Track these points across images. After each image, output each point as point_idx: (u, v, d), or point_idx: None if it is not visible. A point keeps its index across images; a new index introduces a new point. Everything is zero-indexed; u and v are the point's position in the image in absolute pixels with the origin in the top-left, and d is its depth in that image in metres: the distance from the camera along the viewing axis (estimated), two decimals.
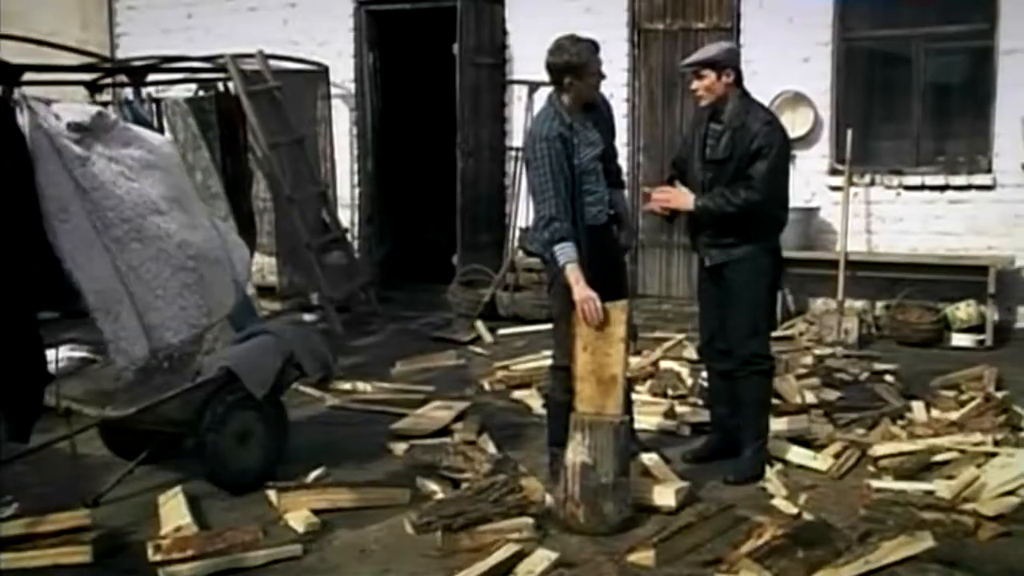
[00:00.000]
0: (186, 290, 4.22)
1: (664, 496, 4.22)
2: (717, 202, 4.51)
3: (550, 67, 4.45)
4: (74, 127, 3.76)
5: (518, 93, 9.04)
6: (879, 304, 7.85)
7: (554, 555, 3.69)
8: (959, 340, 7.32)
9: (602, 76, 4.55)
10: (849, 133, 7.71)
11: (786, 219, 4.74)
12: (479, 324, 8.01)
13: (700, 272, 4.92)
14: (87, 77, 7.18)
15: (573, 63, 4.40)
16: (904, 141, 8.06)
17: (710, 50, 4.63)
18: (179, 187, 4.14)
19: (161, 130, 6.47)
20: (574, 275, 4.32)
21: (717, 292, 4.73)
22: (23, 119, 3.62)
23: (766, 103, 4.80)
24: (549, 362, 6.67)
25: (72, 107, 3.80)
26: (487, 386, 6.40)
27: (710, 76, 4.54)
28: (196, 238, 4.28)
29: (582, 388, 4.16)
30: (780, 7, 8.05)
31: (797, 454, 4.81)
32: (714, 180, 4.59)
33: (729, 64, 4.55)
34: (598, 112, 4.64)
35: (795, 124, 7.83)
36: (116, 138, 3.92)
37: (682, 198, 4.63)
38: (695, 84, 4.60)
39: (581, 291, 4.27)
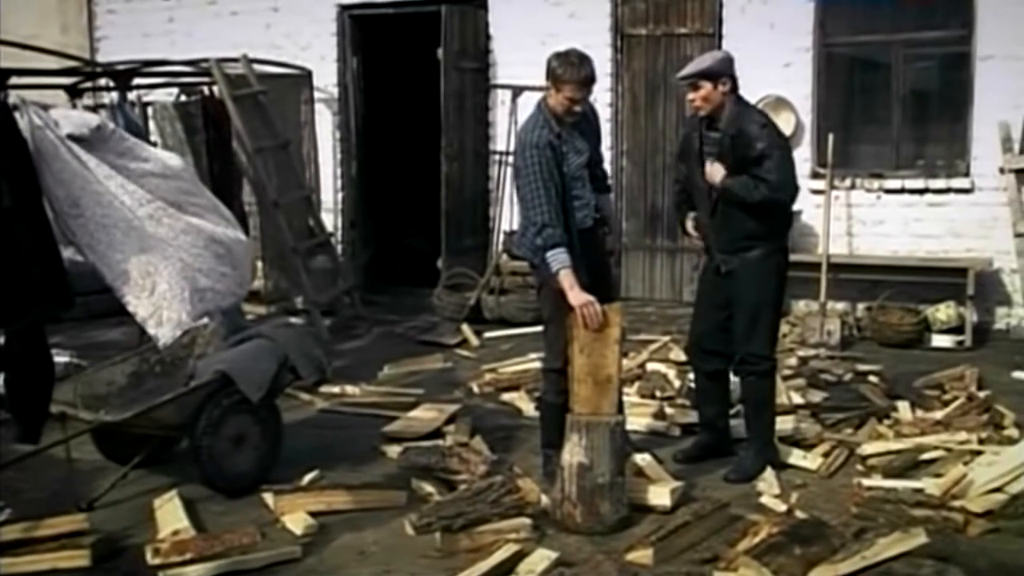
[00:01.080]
0: (220, 260, 4.22)
1: (659, 496, 4.27)
2: (744, 186, 4.53)
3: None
4: (73, 139, 3.76)
5: (501, 97, 9.08)
6: (860, 306, 7.96)
7: (554, 554, 3.73)
8: (939, 341, 7.42)
9: (573, 104, 4.43)
10: (830, 137, 7.81)
11: (792, 217, 4.85)
12: (465, 327, 8.03)
13: (704, 274, 5.00)
14: (71, 80, 7.17)
15: (552, 70, 4.43)
16: (884, 145, 8.16)
17: (705, 60, 4.65)
18: (180, 189, 4.13)
19: (148, 134, 6.45)
20: (568, 281, 4.32)
21: (721, 294, 4.77)
22: (23, 122, 3.61)
23: None
24: (537, 364, 6.77)
25: (70, 115, 3.79)
26: (476, 389, 6.42)
27: (706, 87, 4.56)
28: (209, 225, 4.29)
29: (579, 390, 4.20)
30: (762, 13, 8.15)
31: (787, 453, 4.88)
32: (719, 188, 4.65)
33: (724, 73, 4.58)
34: (585, 120, 4.65)
35: None
36: (113, 149, 3.91)
37: (717, 171, 4.60)
38: (691, 95, 4.62)
39: (577, 296, 4.28)
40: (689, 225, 4.96)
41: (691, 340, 5.06)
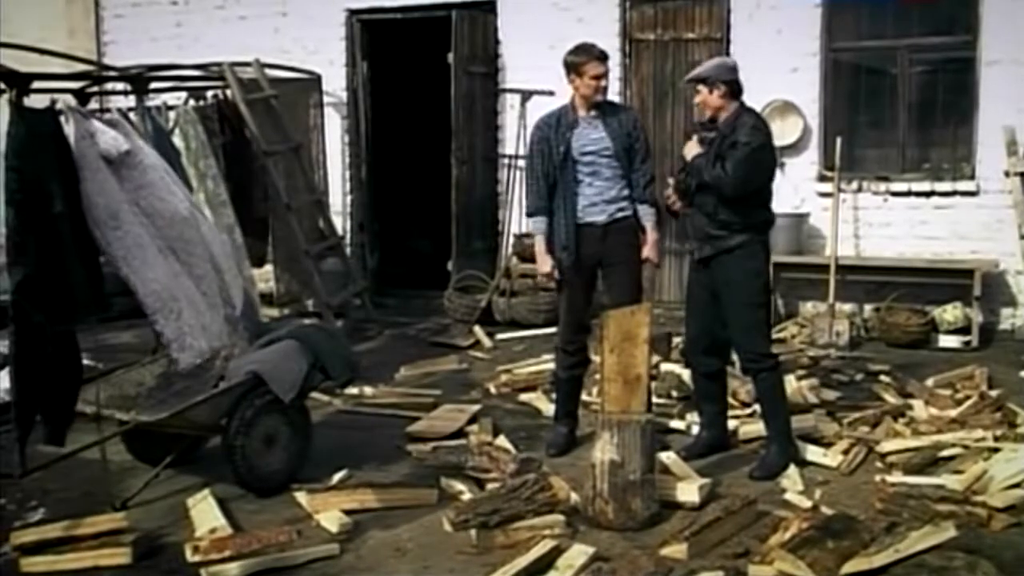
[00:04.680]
0: (220, 297, 4.29)
1: (688, 492, 4.35)
2: (704, 166, 4.75)
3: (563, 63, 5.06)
4: (102, 158, 3.79)
5: (511, 101, 9.16)
6: (868, 307, 8.06)
7: (591, 550, 3.80)
8: (946, 341, 7.52)
9: (597, 80, 4.93)
10: (838, 141, 7.91)
11: (772, 218, 4.96)
12: (477, 329, 8.10)
13: (691, 273, 5.14)
14: (82, 84, 7.18)
15: (570, 63, 4.97)
16: (890, 148, 8.27)
17: (703, 67, 4.93)
18: (181, 237, 4.11)
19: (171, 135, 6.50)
20: (538, 246, 5.08)
21: (708, 294, 4.91)
22: (69, 129, 3.67)
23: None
24: (552, 366, 6.86)
25: (106, 132, 3.80)
26: (493, 390, 6.49)
27: (703, 91, 4.82)
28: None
29: (609, 388, 4.28)
30: (769, 19, 8.25)
31: (807, 451, 4.97)
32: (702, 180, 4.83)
33: (718, 79, 4.79)
34: (616, 117, 5.03)
35: (784, 132, 8.04)
36: (134, 180, 3.91)
37: (691, 148, 4.89)
38: (696, 99, 4.95)
39: (540, 263, 5.08)
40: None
41: (687, 343, 5.22)
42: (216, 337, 4.25)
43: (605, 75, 4.96)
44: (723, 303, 4.84)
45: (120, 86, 7.43)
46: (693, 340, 5.08)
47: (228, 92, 7.50)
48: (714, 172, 4.70)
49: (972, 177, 7.93)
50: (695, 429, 5.45)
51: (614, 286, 5.09)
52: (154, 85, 7.56)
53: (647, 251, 5.09)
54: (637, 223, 5.07)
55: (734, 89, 4.81)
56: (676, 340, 7.26)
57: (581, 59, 4.91)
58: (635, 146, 5.03)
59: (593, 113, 5.00)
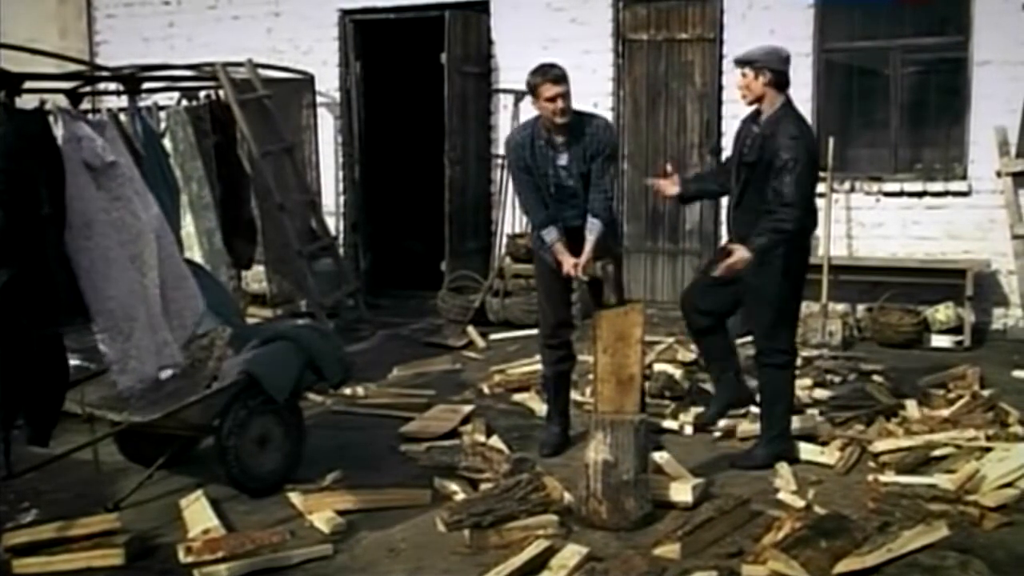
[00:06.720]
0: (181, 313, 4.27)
1: (681, 492, 4.36)
2: (769, 236, 4.59)
3: None
4: (85, 165, 3.76)
5: (504, 102, 9.15)
6: (861, 307, 8.08)
7: (585, 550, 3.80)
8: (938, 341, 7.55)
9: (553, 102, 4.74)
10: (830, 141, 7.93)
11: (810, 224, 4.90)
12: (470, 329, 8.10)
13: (718, 246, 5.15)
14: (73, 84, 7.16)
15: (529, 83, 4.85)
16: (882, 149, 8.28)
17: (753, 49, 4.82)
18: (139, 256, 4.04)
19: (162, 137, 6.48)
20: (558, 252, 4.94)
21: (734, 286, 4.85)
22: (59, 130, 3.65)
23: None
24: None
25: (95, 140, 3.75)
26: (486, 390, 6.49)
27: (748, 75, 4.73)
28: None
29: (602, 389, 4.28)
30: (762, 19, 8.24)
31: (803, 450, 4.98)
32: (747, 181, 4.79)
33: (766, 65, 4.71)
34: (582, 143, 4.87)
35: None
36: (111, 190, 3.86)
37: (739, 258, 4.59)
38: (739, 82, 4.83)
39: (565, 265, 4.92)
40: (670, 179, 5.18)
41: (685, 293, 5.28)
42: (169, 358, 4.17)
43: (563, 96, 4.72)
44: (746, 301, 4.87)
45: (112, 86, 7.43)
46: (691, 291, 5.15)
47: (221, 92, 7.47)
48: (785, 216, 4.55)
49: (964, 177, 7.95)
50: (688, 430, 5.47)
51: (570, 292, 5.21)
52: (146, 85, 7.57)
53: (583, 259, 4.86)
54: (613, 224, 5.11)
55: (780, 80, 4.72)
56: (669, 340, 7.30)
57: (536, 80, 4.77)
58: (594, 160, 4.87)
59: (560, 139, 4.85)
